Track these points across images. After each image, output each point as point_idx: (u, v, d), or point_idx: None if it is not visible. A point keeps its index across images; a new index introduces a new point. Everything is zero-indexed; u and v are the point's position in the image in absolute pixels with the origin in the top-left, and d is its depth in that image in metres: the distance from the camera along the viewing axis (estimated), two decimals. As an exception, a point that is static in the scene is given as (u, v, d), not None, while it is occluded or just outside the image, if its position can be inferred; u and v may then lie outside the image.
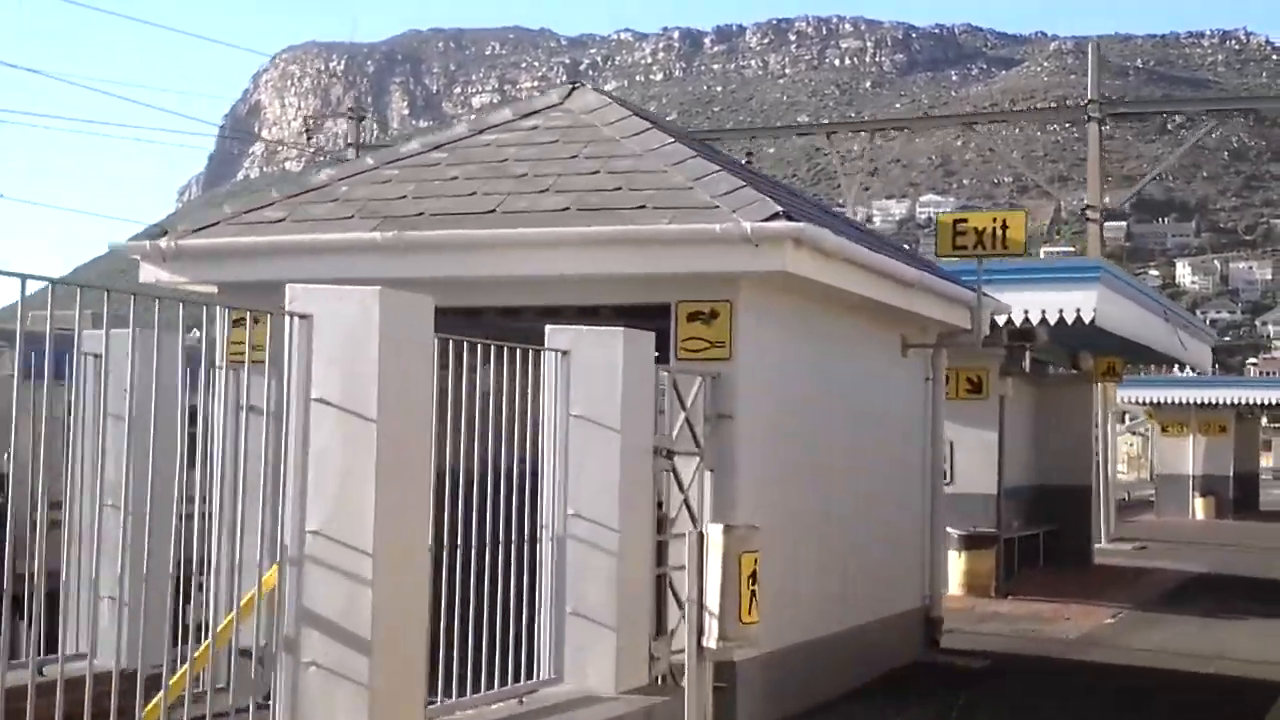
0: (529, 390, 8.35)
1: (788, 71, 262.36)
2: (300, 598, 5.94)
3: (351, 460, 5.92)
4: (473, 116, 9.67)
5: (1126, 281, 18.04)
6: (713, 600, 7.57)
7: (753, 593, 7.62)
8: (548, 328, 8.39)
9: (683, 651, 7.86)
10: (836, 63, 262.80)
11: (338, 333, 5.96)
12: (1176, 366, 27.44)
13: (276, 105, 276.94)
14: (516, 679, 7.45)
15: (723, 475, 9.38)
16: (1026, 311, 16.72)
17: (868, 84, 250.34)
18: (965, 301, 12.63)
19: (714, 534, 7.61)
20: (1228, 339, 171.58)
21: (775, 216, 9.07)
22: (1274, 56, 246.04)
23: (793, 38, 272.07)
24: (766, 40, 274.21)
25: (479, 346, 7.97)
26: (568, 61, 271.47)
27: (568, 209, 9.58)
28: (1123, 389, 37.40)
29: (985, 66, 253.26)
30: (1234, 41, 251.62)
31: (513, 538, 8.08)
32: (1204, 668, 13.30)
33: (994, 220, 12.36)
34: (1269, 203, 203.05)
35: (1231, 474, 39.12)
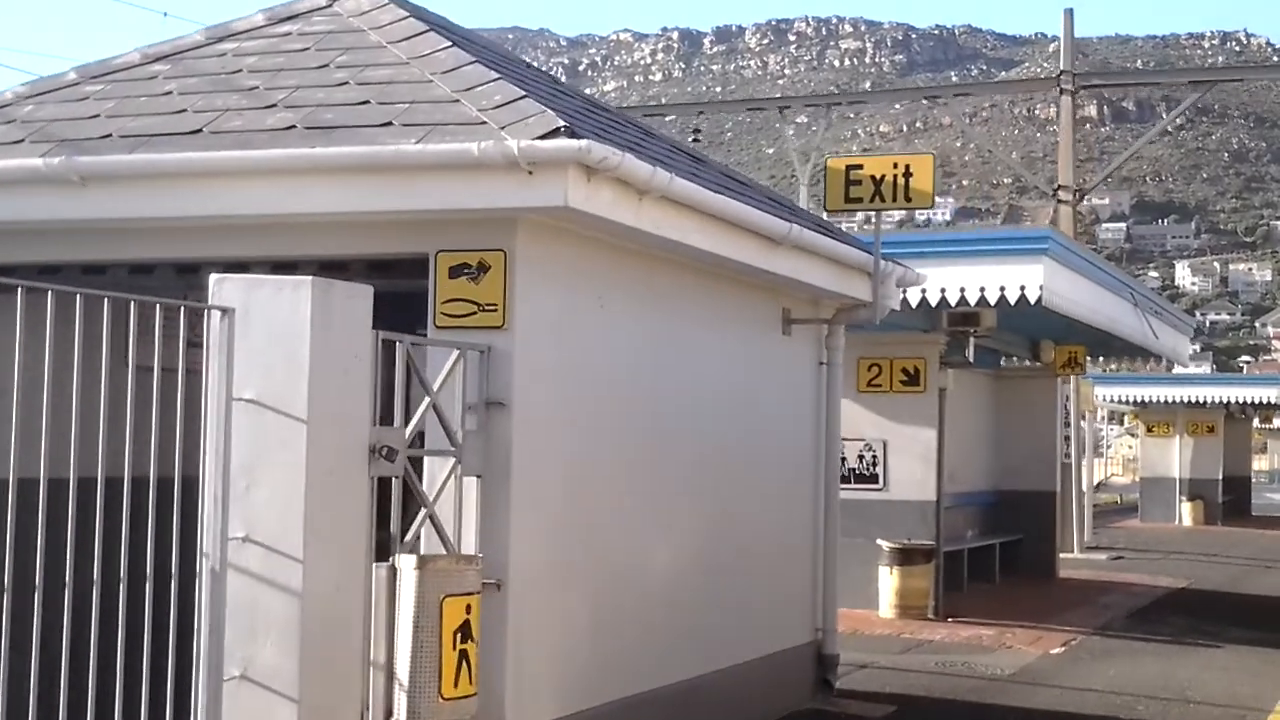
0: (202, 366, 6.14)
1: (787, 72, 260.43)
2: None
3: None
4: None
5: (1082, 256, 15.69)
6: (402, 665, 5.27)
7: (463, 654, 5.30)
8: (211, 276, 6.10)
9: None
10: (836, 63, 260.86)
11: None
12: (1150, 360, 25.02)
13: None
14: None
15: (493, 484, 7.05)
16: (963, 290, 14.38)
17: (867, 84, 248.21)
18: (865, 268, 10.31)
19: (405, 569, 5.30)
20: (1227, 341, 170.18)
21: (556, 134, 6.75)
22: (1275, 58, 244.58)
23: (792, 38, 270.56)
24: (766, 41, 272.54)
25: (107, 303, 5.74)
26: (566, 62, 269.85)
27: (293, 128, 7.25)
28: (1104, 386, 35.12)
29: (985, 67, 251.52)
30: (1234, 43, 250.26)
31: (148, 570, 5.83)
32: (1161, 716, 10.99)
33: (895, 166, 10.02)
34: (1269, 204, 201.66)
35: (1221, 477, 36.73)
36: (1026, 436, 21.02)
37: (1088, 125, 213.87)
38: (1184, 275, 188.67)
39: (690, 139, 30.21)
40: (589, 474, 7.75)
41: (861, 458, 16.40)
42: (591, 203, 6.98)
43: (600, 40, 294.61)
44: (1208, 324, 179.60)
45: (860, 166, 10.10)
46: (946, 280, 14.34)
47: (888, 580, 15.80)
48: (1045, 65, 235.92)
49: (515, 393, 7.10)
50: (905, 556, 15.74)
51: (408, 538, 6.59)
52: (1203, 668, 13.42)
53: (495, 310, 7.10)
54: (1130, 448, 70.00)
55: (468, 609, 5.26)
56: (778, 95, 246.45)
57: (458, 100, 7.25)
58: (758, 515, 9.90)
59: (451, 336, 7.07)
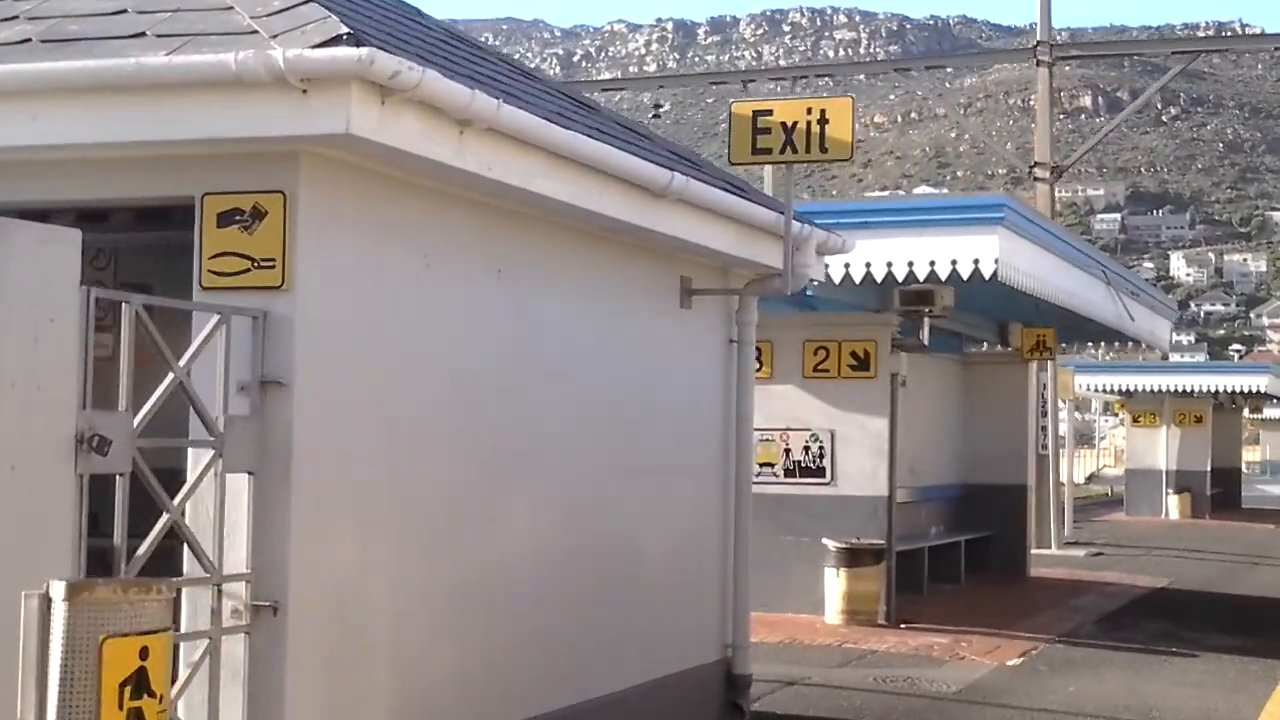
0: None
1: (782, 63, 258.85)
2: None
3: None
4: None
5: (1044, 228, 14.32)
6: (48, 724, 3.92)
7: (136, 713, 3.94)
8: None
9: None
10: (830, 54, 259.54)
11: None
12: (1143, 349, 23.69)
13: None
14: None
15: (269, 483, 5.70)
16: (911, 264, 13.04)
17: (861, 76, 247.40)
18: (777, 231, 8.94)
19: (55, 599, 3.95)
20: (1222, 332, 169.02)
21: (336, 42, 5.39)
22: (1270, 49, 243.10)
23: (786, 29, 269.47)
24: (760, 31, 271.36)
25: None
26: (561, 53, 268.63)
27: (28, 40, 5.90)
28: (1087, 374, 33.80)
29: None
30: (1229, 33, 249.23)
31: None
32: (1119, 740, 9.67)
33: (808, 112, 8.64)
34: (1264, 195, 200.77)
35: (1209, 469, 35.39)
36: (996, 426, 19.67)
37: (1082, 115, 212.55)
38: (1179, 266, 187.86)
39: (650, 116, 28.89)
40: (408, 472, 6.38)
41: (807, 449, 15.06)
42: (389, 132, 5.62)
43: (594, 31, 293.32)
44: (1202, 315, 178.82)
45: (769, 112, 8.71)
46: (893, 253, 13.01)
47: (834, 583, 14.45)
48: (1051, 68, 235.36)
49: (299, 370, 5.74)
50: (853, 557, 14.39)
51: (140, 552, 5.25)
52: (1174, 681, 12.08)
53: (273, 267, 5.74)
54: (1124, 439, 68.70)
55: (144, 653, 3.92)
56: (771, 84, 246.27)
57: (230, 8, 5.88)
58: (650, 517, 8.54)
59: (218, 299, 5.71)
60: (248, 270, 5.75)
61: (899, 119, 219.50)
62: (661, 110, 26.95)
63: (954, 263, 12.83)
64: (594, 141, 6.81)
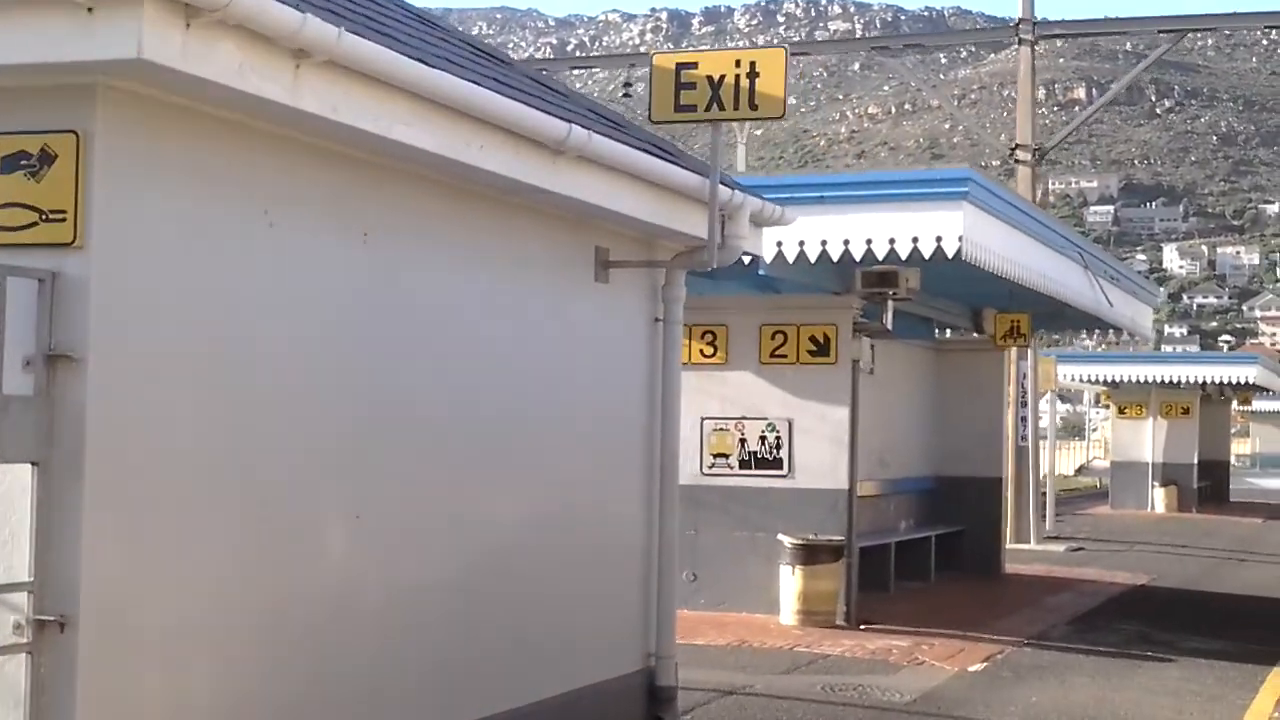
0: None
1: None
2: None
3: None
4: None
5: (1014, 204, 13.44)
6: None
7: None
8: None
9: None
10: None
11: None
12: (1135, 339, 22.74)
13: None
14: None
15: (57, 477, 4.83)
16: (870, 242, 12.15)
17: (855, 66, 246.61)
18: (704, 198, 8.07)
19: None
20: (1214, 324, 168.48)
21: (127, -47, 4.52)
22: (1264, 42, 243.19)
23: (781, 19, 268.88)
24: (755, 22, 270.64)
25: None
26: (555, 42, 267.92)
27: None
28: (1071, 364, 32.99)
29: (974, 49, 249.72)
30: (1224, 27, 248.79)
31: None
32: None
33: (737, 64, 7.78)
34: (1257, 187, 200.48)
35: (1196, 462, 34.58)
36: (971, 417, 18.81)
37: (1076, 108, 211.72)
38: (1172, 258, 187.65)
39: (621, 94, 28.03)
40: (237, 468, 5.50)
41: (764, 440, 14.20)
42: (199, 61, 4.76)
43: (588, 21, 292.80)
44: (1195, 307, 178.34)
45: (694, 65, 7.85)
46: (851, 230, 12.13)
47: (790, 582, 13.60)
48: (1035, 47, 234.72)
49: (95, 342, 4.87)
50: (809, 554, 13.53)
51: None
52: (1147, 689, 11.25)
53: (63, 220, 4.88)
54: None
55: None
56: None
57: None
58: (553, 514, 7.68)
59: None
60: (34, 224, 4.89)
61: (892, 110, 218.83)
62: (631, 89, 25.98)
63: (915, 240, 11.97)
64: (466, 84, 5.93)
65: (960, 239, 11.84)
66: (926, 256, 11.98)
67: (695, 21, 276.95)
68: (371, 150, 5.94)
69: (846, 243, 12.17)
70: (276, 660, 5.70)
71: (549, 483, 7.62)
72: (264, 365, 5.63)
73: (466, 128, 6.08)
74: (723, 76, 7.78)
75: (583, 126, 6.71)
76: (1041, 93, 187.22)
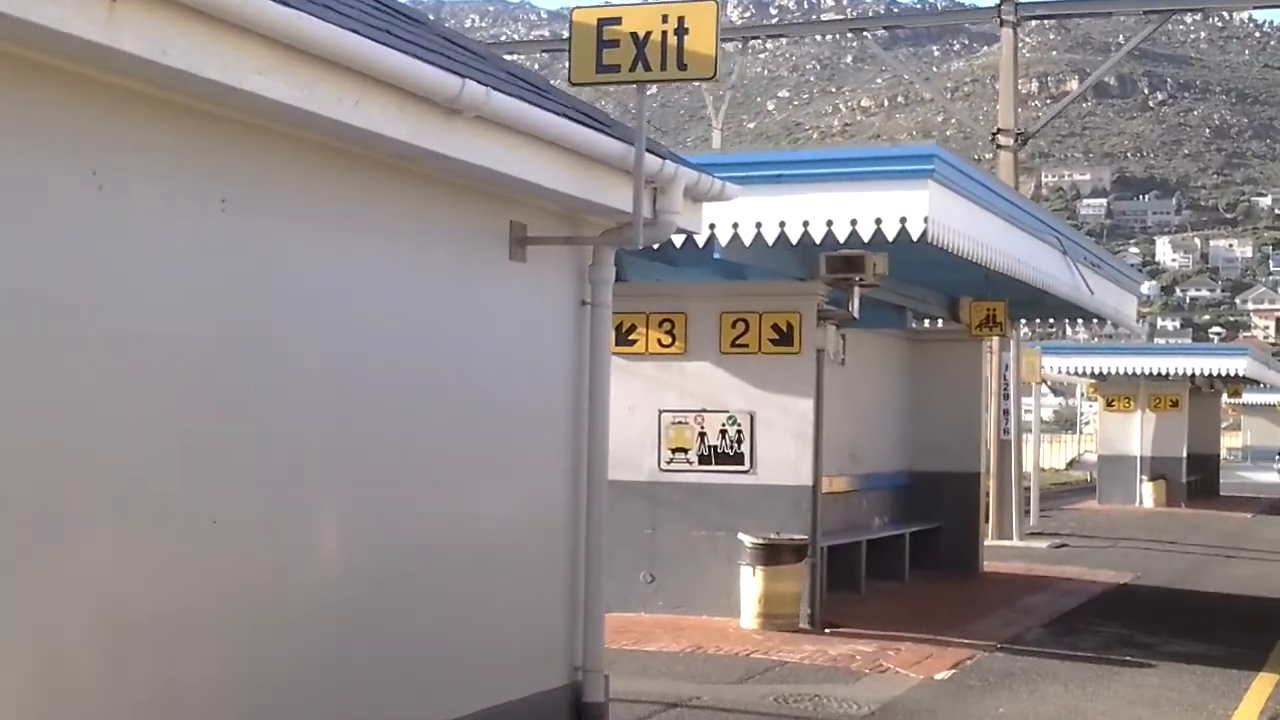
0: None
1: (769, 46, 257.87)
2: None
3: None
4: None
5: (984, 184, 12.71)
6: None
7: None
8: None
9: None
10: (818, 38, 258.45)
11: None
12: (1094, 324, 22.01)
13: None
14: None
15: None
16: (830, 223, 11.45)
17: (849, 59, 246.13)
18: (626, 167, 7.36)
19: None
20: (1207, 317, 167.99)
21: None
22: (1256, 34, 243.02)
23: (774, 12, 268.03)
24: (748, 15, 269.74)
25: None
26: (547, 34, 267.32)
27: None
28: (1056, 356, 32.31)
29: (967, 42, 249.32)
30: (1216, 19, 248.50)
31: None
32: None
33: (664, 20, 7.07)
34: (1250, 180, 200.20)
35: (1185, 455, 33.90)
36: (947, 409, 18.13)
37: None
38: (1165, 251, 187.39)
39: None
40: (50, 469, 4.81)
41: (724, 434, 13.50)
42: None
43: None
44: (1188, 300, 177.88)
45: (618, 21, 7.14)
46: (810, 210, 11.43)
47: (750, 583, 12.90)
48: (1027, 39, 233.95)
49: None
50: (771, 554, 12.83)
51: None
52: (1124, 698, 10.57)
53: None
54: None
55: None
56: (758, 67, 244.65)
57: None
58: (459, 517, 6.97)
59: None
60: None
61: (885, 103, 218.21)
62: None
63: (878, 222, 11.26)
64: (334, 29, 5.21)
65: (926, 220, 11.14)
66: (890, 239, 11.28)
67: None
68: (226, 104, 5.24)
69: (806, 224, 11.46)
70: (116, 673, 5.00)
71: (454, 482, 6.92)
72: (98, 352, 4.92)
73: (337, 80, 5.37)
74: (649, 34, 7.08)
75: (479, 82, 5.99)
76: (1034, 85, 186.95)
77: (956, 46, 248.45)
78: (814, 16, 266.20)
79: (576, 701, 7.83)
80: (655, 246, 11.86)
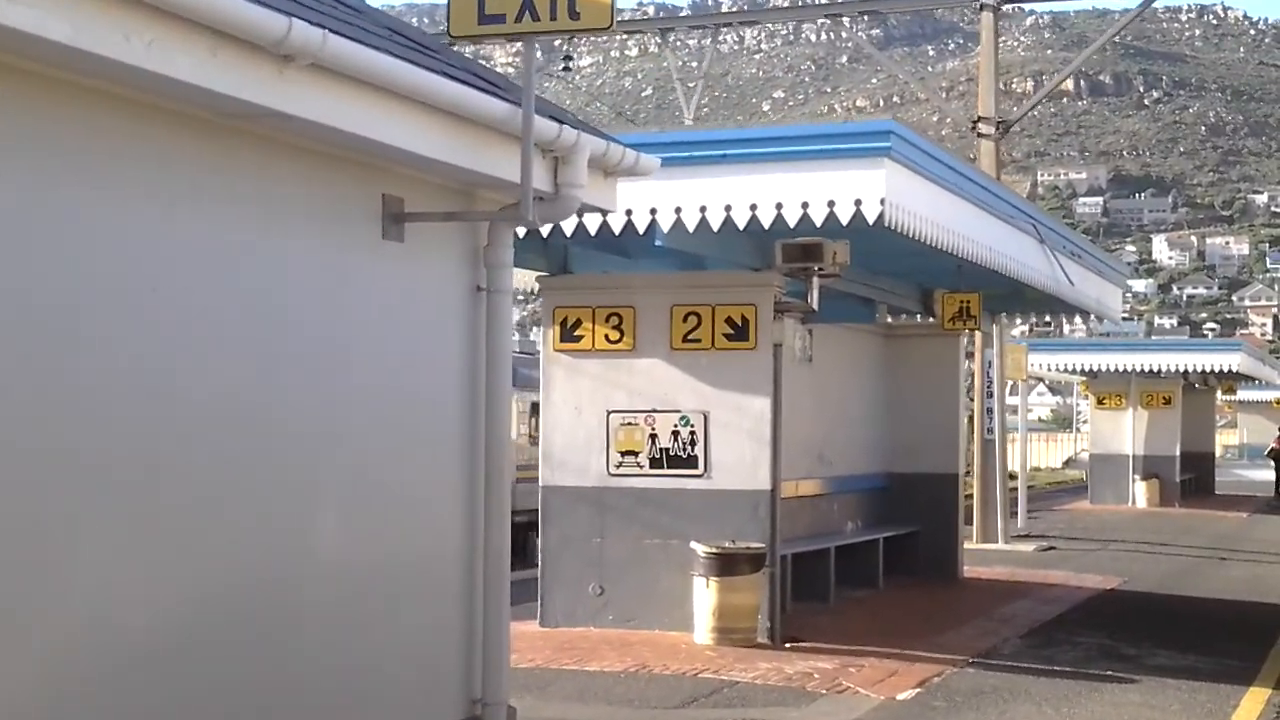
0: None
1: (764, 46, 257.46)
2: None
3: None
4: None
5: (948, 164, 11.77)
6: None
7: None
8: None
9: None
10: (813, 37, 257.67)
11: None
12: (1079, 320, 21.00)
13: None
14: None
15: None
16: (780, 206, 10.56)
17: (844, 59, 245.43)
18: (514, 133, 6.47)
19: None
20: (1204, 315, 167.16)
21: None
22: (1251, 31, 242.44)
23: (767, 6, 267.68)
24: (742, 8, 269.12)
25: None
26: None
27: None
28: (1043, 353, 31.44)
29: (961, 41, 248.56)
30: (1211, 16, 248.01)
31: None
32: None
33: (553, -38, 6.20)
34: (1246, 178, 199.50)
35: (1178, 454, 33.00)
36: (924, 408, 17.24)
37: (1064, 99, 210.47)
38: (1161, 249, 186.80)
39: (560, 68, 26.44)
40: None
41: (676, 435, 12.61)
42: None
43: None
44: (1185, 298, 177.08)
45: (502, -34, 6.26)
46: (758, 193, 10.55)
47: (704, 595, 12.01)
48: (1022, 39, 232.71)
49: None
50: (726, 564, 11.94)
51: None
52: (1102, 719, 9.70)
53: None
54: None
55: None
56: (753, 68, 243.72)
57: None
58: (326, 540, 6.07)
59: None
60: None
61: (880, 103, 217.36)
62: (571, 63, 24.38)
63: (831, 205, 10.38)
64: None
65: (883, 202, 10.26)
66: (845, 222, 10.40)
67: (683, 15, 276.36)
68: (12, 50, 4.35)
69: (754, 207, 10.58)
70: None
71: (314, 501, 6.03)
72: None
73: (119, 13, 4.48)
74: (537, -20, 6.20)
75: (314, 24, 5.10)
76: (1030, 84, 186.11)
77: (951, 46, 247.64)
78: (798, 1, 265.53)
79: (474, 737, 6.95)
80: (593, 234, 11.07)
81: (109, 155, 5.02)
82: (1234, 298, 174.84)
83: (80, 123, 4.88)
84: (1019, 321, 21.70)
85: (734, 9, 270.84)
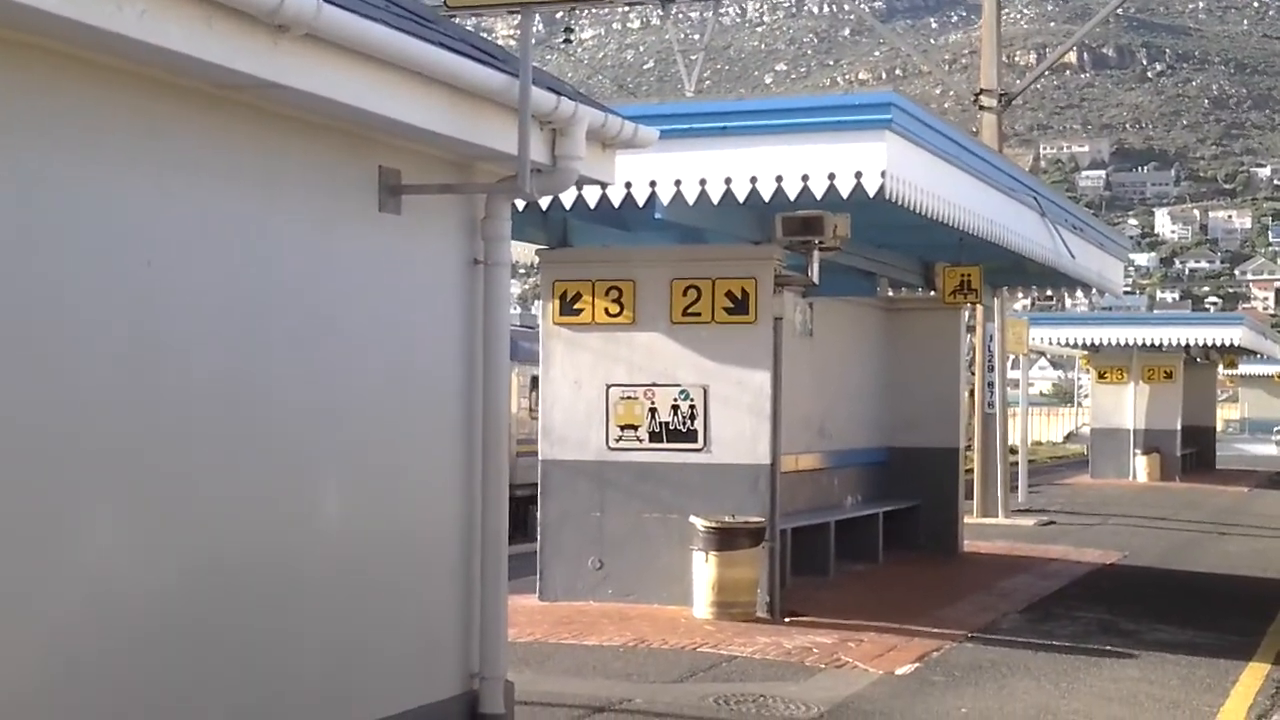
0: None
1: (766, 19, 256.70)
2: None
3: None
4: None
5: (949, 136, 11.71)
6: None
7: None
8: None
9: None
10: (815, 10, 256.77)
11: None
12: (1080, 293, 21.07)
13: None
14: None
15: None
16: (780, 179, 10.50)
17: (846, 31, 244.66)
18: (511, 105, 6.42)
19: None
20: (1207, 289, 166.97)
21: None
22: (1255, 4, 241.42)
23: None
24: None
25: None
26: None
27: None
28: (1045, 326, 31.39)
29: (965, 14, 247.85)
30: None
31: None
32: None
33: (550, -69, 6.13)
34: (1249, 151, 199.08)
35: (1179, 428, 32.98)
36: (925, 382, 17.20)
37: (1067, 71, 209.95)
38: (1164, 223, 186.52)
39: (561, 41, 26.28)
40: None
41: (676, 409, 12.58)
42: None
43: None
44: (1187, 271, 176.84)
45: (498, -66, 6.19)
46: (758, 165, 10.49)
47: (703, 570, 12.00)
48: (1025, 11, 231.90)
49: None
50: (726, 539, 11.93)
51: None
52: (1100, 694, 9.68)
53: None
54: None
55: None
56: (755, 41, 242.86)
57: None
58: (320, 516, 6.05)
59: None
60: None
61: (883, 76, 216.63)
62: (572, 36, 24.22)
63: (832, 177, 10.32)
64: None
65: (883, 174, 10.19)
66: (845, 195, 10.34)
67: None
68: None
69: (754, 180, 10.53)
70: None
71: (310, 476, 6.00)
72: None
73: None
74: (533, -54, 6.14)
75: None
76: (1032, 57, 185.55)
77: (954, 18, 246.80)
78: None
79: (472, 712, 6.92)
80: (592, 207, 11.02)
81: (101, 128, 4.97)
82: (1236, 271, 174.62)
83: (72, 95, 4.83)
84: (1020, 295, 21.71)
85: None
